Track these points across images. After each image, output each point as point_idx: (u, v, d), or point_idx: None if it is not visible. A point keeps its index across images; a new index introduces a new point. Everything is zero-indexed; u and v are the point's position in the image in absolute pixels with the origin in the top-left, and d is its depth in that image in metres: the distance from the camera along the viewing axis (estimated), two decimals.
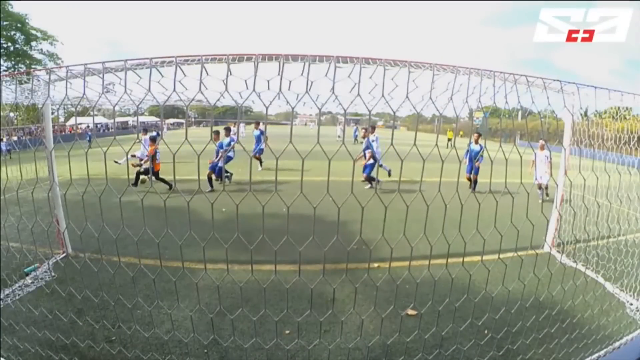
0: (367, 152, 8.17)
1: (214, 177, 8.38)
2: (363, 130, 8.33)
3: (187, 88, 1.76)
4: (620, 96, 2.91)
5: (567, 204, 4.38)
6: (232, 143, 8.51)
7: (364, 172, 8.13)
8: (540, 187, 7.82)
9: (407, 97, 1.67)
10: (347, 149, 1.71)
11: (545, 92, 2.09)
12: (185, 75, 1.73)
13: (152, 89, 1.70)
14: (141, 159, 9.25)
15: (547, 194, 7.76)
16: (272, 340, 2.49)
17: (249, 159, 1.89)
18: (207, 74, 1.65)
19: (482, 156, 8.46)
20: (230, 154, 8.89)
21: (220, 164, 8.21)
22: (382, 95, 1.67)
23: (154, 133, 18.19)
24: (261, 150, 10.96)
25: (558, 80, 2.43)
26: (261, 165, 11.24)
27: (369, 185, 8.23)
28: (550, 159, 7.31)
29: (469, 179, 8.58)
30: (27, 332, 2.53)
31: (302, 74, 1.64)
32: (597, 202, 3.12)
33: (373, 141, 8.17)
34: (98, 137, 22.74)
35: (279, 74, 1.63)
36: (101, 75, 2.02)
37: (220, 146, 8.13)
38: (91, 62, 2.10)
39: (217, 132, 8.53)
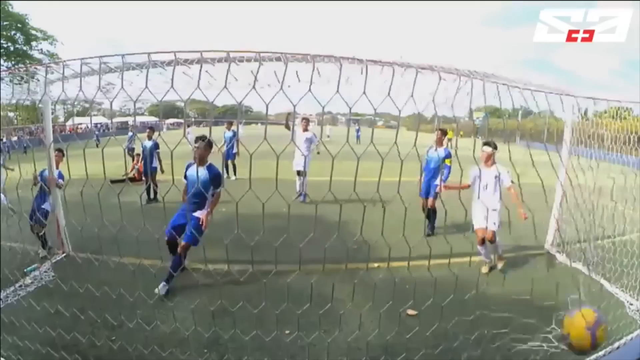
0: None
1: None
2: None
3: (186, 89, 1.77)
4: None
5: (567, 203, 4.39)
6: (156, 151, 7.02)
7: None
8: (483, 242, 3.64)
9: (411, 96, 1.68)
10: (352, 148, 1.72)
11: (545, 96, 2.09)
12: (185, 75, 1.73)
13: (152, 89, 1.70)
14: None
15: (500, 258, 3.72)
16: (272, 339, 2.48)
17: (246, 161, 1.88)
18: (208, 74, 1.65)
19: (449, 165, 4.72)
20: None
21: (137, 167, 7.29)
22: (389, 94, 1.67)
23: (128, 136, 12.31)
24: (233, 155, 9.36)
25: (558, 94, 2.41)
26: (235, 174, 9.29)
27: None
28: (501, 182, 3.64)
29: (424, 208, 4.92)
30: (28, 332, 2.53)
31: (304, 74, 1.64)
32: (596, 202, 3.12)
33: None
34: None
35: (280, 74, 1.63)
36: (99, 72, 2.02)
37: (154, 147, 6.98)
38: (88, 56, 2.08)
39: (152, 129, 7.79)
